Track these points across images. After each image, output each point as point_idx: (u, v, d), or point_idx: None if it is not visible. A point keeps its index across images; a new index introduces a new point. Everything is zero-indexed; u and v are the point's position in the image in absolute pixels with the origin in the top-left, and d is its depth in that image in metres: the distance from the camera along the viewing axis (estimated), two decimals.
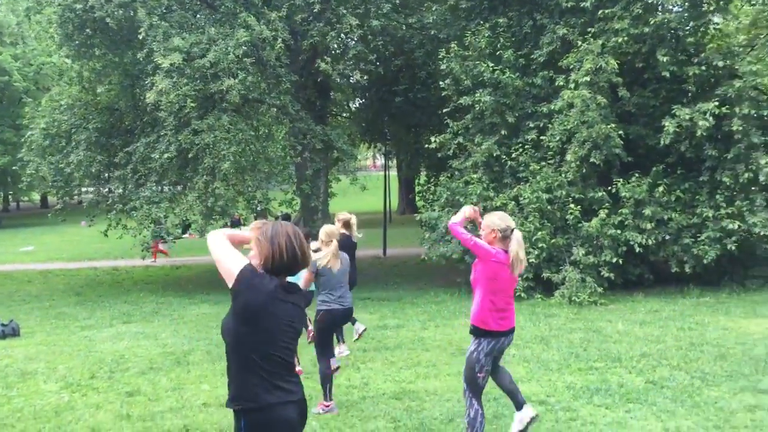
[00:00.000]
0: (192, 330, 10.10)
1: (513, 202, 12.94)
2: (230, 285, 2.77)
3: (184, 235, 30.07)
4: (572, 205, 12.45)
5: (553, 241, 12.44)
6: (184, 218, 13.77)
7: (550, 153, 13.06)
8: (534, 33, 14.18)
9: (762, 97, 12.57)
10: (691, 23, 12.93)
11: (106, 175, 15.52)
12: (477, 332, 4.63)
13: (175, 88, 12.44)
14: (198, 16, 14.72)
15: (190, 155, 13.09)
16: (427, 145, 14.23)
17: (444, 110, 14.32)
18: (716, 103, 11.75)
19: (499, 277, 4.57)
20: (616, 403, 5.75)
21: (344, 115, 21.05)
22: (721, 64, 12.01)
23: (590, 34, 12.66)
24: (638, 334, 8.74)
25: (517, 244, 4.59)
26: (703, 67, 12.13)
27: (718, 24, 13.15)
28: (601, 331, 8.94)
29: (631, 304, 11.38)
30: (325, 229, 6.16)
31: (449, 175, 14.22)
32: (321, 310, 6.03)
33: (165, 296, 14.05)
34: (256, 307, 2.76)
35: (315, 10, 13.48)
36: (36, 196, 47.79)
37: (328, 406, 5.90)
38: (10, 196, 50.52)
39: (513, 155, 13.30)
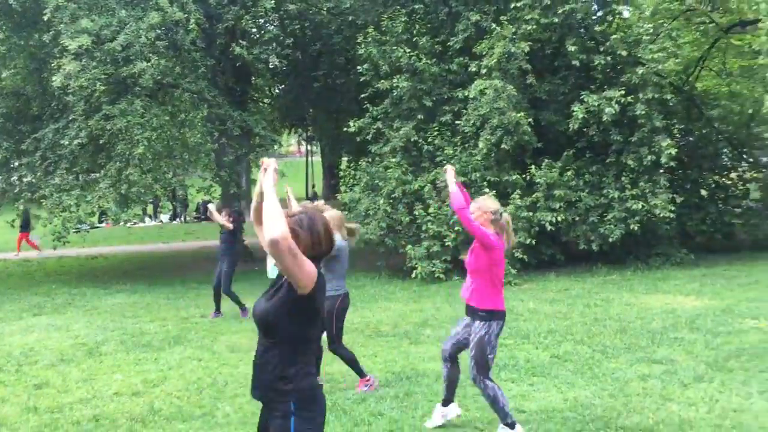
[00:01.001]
0: (106, 320, 9.89)
1: (430, 185, 13.18)
2: (305, 289, 2.68)
3: (99, 224, 29.28)
4: (487, 189, 12.77)
5: None
6: (99, 206, 13.37)
7: (464, 138, 13.36)
8: (450, 20, 14.42)
9: (664, 82, 13.22)
10: (599, 13, 13.42)
11: (15, 163, 14.89)
12: (489, 315, 4.70)
13: (84, 71, 12.06)
14: None
15: (101, 141, 12.73)
16: (346, 130, 14.30)
17: (363, 95, 14.41)
18: (622, 91, 12.29)
19: (499, 261, 4.74)
20: (522, 377, 6.01)
21: (266, 101, 20.87)
22: (625, 53, 12.54)
23: (502, 22, 12.98)
24: (547, 311, 9.11)
25: (508, 226, 4.78)
26: (609, 57, 12.62)
27: (622, 14, 13.67)
28: (512, 310, 9.24)
29: (543, 283, 11.81)
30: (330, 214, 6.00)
31: (369, 159, 14.35)
32: (341, 294, 5.89)
33: (79, 287, 13.65)
34: (322, 308, 2.89)
35: None
36: None
37: (369, 380, 5.94)
38: None
39: (429, 140, 13.53)
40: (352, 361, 5.96)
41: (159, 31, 12.71)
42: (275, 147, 18.41)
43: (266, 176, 2.79)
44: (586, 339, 7.34)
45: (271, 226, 2.55)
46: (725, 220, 14.33)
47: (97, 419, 5.31)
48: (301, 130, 21.46)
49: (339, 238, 5.74)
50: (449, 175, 4.97)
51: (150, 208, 31.39)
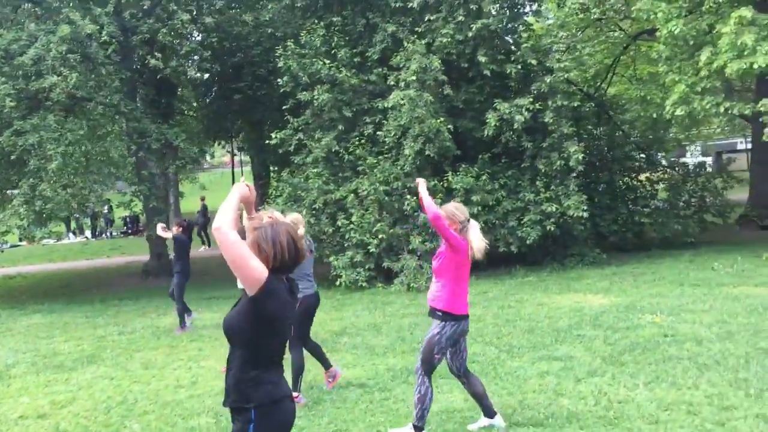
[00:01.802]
0: (19, 342, 9.67)
1: (352, 195, 13.35)
2: (251, 290, 2.77)
3: (20, 243, 28.32)
4: (408, 196, 13.03)
5: (391, 231, 12.96)
6: (12, 225, 13.00)
7: (386, 147, 13.59)
8: (368, 31, 14.66)
9: (573, 90, 13.78)
10: (510, 24, 13.87)
11: None
12: (444, 317, 4.79)
13: None
14: (18, 11, 13.95)
15: (12, 157, 12.41)
16: (267, 141, 14.34)
17: (284, 107, 14.48)
18: (530, 99, 12.76)
19: (464, 265, 4.85)
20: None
21: (191, 113, 20.65)
22: (534, 62, 13.03)
23: (417, 34, 13.29)
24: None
25: (475, 233, 4.86)
26: (519, 66, 13.07)
27: (532, 25, 14.18)
28: (423, 316, 9.48)
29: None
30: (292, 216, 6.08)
31: (291, 170, 14.42)
32: (308, 293, 5.94)
33: None
34: (277, 316, 2.86)
35: (144, 7, 13.15)
36: None
37: (297, 398, 5.84)
38: None
39: (351, 150, 13.70)
40: (300, 370, 5.94)
41: (71, 45, 12.46)
42: (207, 158, 18.25)
43: (241, 186, 3.01)
44: (495, 340, 7.61)
45: (218, 217, 2.78)
46: (635, 219, 15.00)
47: None
48: (225, 142, 21.26)
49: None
50: (421, 187, 5.03)
51: (74, 224, 30.56)
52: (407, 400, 5.68)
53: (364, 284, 12.77)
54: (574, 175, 13.39)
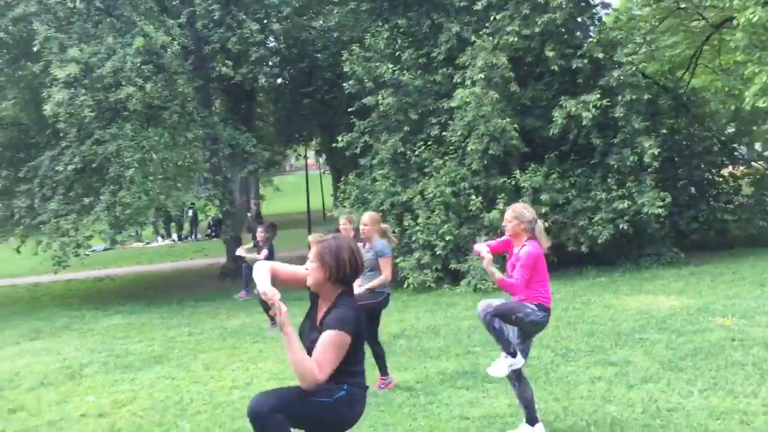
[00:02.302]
0: (97, 342, 10.14)
1: (419, 196, 13.33)
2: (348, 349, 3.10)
3: (113, 247, 29.73)
4: (474, 196, 12.89)
5: (458, 231, 12.86)
6: (94, 230, 13.67)
7: (451, 147, 13.51)
8: (433, 32, 14.60)
9: (643, 83, 13.27)
10: (579, 17, 13.49)
11: (14, 190, 15.27)
12: (540, 306, 4.75)
13: (73, 99, 12.40)
14: (100, 26, 14.63)
15: (94, 165, 13.05)
16: (334, 144, 14.52)
17: (350, 110, 14.62)
18: (598, 95, 12.38)
19: (544, 268, 4.82)
20: (477, 385, 6.11)
21: (271, 119, 21.18)
22: (601, 55, 12.63)
23: (483, 32, 13.14)
24: None
25: (541, 233, 4.82)
26: (586, 60, 12.70)
27: (601, 17, 13.77)
28: None
29: None
30: (367, 216, 6.57)
31: (358, 173, 14.55)
32: (386, 291, 6.43)
33: (80, 310, 13.93)
34: (361, 333, 3.21)
35: (214, 17, 13.56)
36: None
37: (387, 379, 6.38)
38: None
39: (417, 151, 13.68)
40: (378, 357, 6.33)
41: (145, 56, 13.00)
42: (293, 160, 18.57)
43: (284, 323, 3.03)
44: (552, 343, 7.43)
45: (302, 377, 2.97)
46: (717, 216, 14.30)
47: None
48: (298, 146, 21.66)
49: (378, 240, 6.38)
50: (486, 263, 4.67)
51: (161, 228, 31.87)
52: (451, 404, 5.62)
53: (432, 285, 12.73)
54: (650, 171, 12.94)
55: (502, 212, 12.61)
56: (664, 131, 15.31)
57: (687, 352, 6.49)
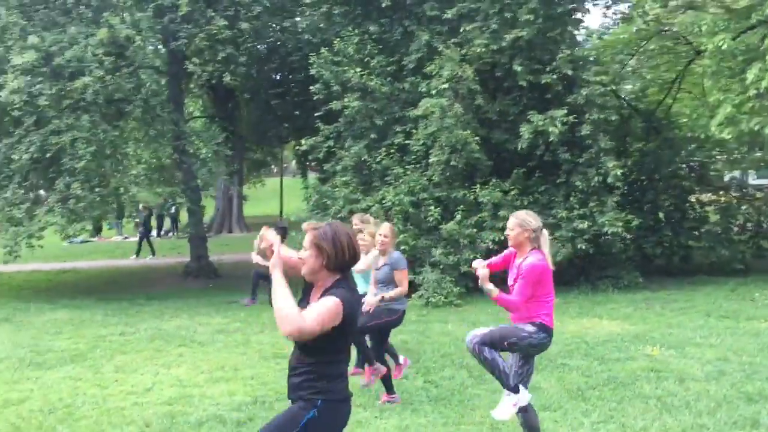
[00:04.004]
0: (27, 337, 9.88)
1: (378, 205, 13.11)
2: (336, 322, 2.88)
3: (92, 239, 29.50)
4: (432, 208, 12.69)
5: (414, 243, 12.64)
6: (47, 222, 13.43)
7: (414, 157, 13.31)
8: (405, 40, 14.42)
9: (611, 103, 13.10)
10: (548, 34, 13.31)
11: None
12: (540, 327, 4.48)
13: (29, 86, 12.20)
14: (69, 15, 14.43)
15: (49, 155, 12.83)
16: (298, 148, 14.33)
17: (317, 114, 14.43)
18: (565, 111, 12.19)
19: (549, 280, 4.54)
20: (372, 404, 5.89)
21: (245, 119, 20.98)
22: (570, 72, 12.45)
23: (451, 42, 12.96)
24: (460, 335, 8.93)
25: (545, 242, 4.56)
26: (554, 76, 12.51)
27: (573, 34, 13.56)
28: (426, 333, 9.16)
29: (482, 305, 11.65)
30: (387, 227, 6.33)
31: (321, 178, 14.35)
32: (402, 308, 6.24)
33: (29, 302, 13.69)
34: (350, 320, 2.96)
35: (181, 13, 13.37)
36: None
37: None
38: None
39: (379, 159, 13.48)
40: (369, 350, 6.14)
41: (109, 48, 12.80)
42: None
43: (275, 268, 2.91)
44: (473, 364, 7.15)
45: (282, 325, 2.74)
46: (682, 242, 14.09)
47: None
48: (272, 148, 21.49)
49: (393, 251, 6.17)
50: (482, 280, 4.44)
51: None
52: None
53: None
54: (616, 192, 12.75)
55: (459, 224, 12.50)
56: (636, 153, 15.13)
57: (599, 381, 6.27)
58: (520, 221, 4.52)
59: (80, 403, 6.20)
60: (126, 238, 30.67)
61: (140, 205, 15.60)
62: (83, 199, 12.87)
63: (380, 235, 6.21)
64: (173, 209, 29.35)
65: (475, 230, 12.46)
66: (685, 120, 16.56)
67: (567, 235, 12.29)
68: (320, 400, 2.91)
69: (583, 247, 12.18)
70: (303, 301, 3.09)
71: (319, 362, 2.95)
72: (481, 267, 4.47)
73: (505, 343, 4.40)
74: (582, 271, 13.28)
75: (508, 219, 11.33)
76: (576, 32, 13.44)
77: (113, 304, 13.14)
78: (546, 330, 4.49)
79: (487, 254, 12.54)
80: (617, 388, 6.04)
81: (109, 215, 14.38)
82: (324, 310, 2.84)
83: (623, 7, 17.69)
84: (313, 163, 18.63)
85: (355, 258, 3.04)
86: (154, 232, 32.34)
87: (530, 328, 4.43)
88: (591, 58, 12.87)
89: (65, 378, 7.21)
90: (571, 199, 12.67)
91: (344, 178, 13.72)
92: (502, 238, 12.36)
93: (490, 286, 4.38)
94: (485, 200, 12.58)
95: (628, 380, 6.26)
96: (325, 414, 2.91)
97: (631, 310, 10.50)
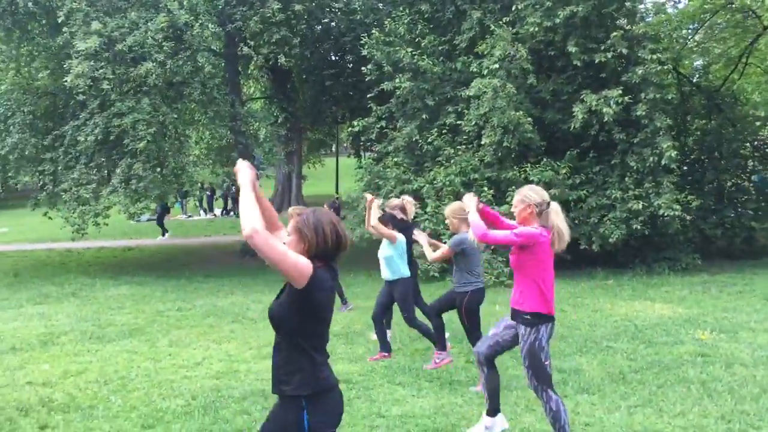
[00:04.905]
0: (90, 311, 10.35)
1: (429, 185, 13.15)
2: (299, 283, 2.76)
3: (153, 218, 30.43)
4: (485, 188, 12.64)
5: None
6: (110, 201, 13.95)
7: (465, 137, 13.26)
8: (457, 19, 14.31)
9: (669, 81, 12.71)
10: (603, 10, 12.97)
11: (41, 158, 15.70)
12: (536, 320, 4.28)
13: (92, 70, 12.64)
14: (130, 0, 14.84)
15: (111, 138, 13.30)
16: (350, 129, 14.43)
17: (369, 95, 14.50)
18: (620, 91, 11.91)
19: (544, 260, 4.29)
20: (415, 382, 5.98)
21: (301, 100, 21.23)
22: (625, 51, 12.13)
23: (505, 22, 12.80)
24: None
25: (558, 217, 4.27)
26: (610, 54, 12.22)
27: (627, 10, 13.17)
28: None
29: None
30: (453, 207, 6.04)
31: (374, 158, 14.44)
32: (471, 289, 5.98)
33: (95, 278, 14.30)
34: (324, 304, 2.88)
35: None
36: None
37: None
38: None
39: (430, 140, 13.48)
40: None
41: (167, 33, 13.13)
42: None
43: (241, 172, 2.90)
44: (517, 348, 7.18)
45: (244, 222, 2.64)
46: (744, 223, 13.64)
47: None
48: (324, 128, 21.60)
49: (464, 232, 5.79)
50: (470, 203, 4.51)
51: (205, 203, 32.49)
52: (378, 401, 5.50)
53: (435, 275, 12.56)
54: (673, 173, 12.44)
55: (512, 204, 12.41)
56: (698, 132, 14.68)
57: (643, 365, 6.20)
58: (523, 196, 4.33)
59: (134, 376, 6.50)
60: (190, 216, 31.48)
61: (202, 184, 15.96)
62: (144, 179, 13.31)
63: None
64: (233, 188, 29.91)
65: None
66: (750, 96, 15.95)
67: (621, 216, 12.09)
68: (304, 399, 2.83)
69: (639, 228, 11.95)
70: (282, 291, 2.97)
71: (294, 351, 2.86)
72: (470, 197, 4.55)
73: (545, 364, 4.30)
74: (638, 253, 13.03)
75: (558, 198, 11.22)
76: (633, 6, 13.01)
77: (173, 281, 13.60)
78: (542, 319, 4.29)
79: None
80: (660, 372, 5.96)
81: (170, 195, 14.70)
82: (292, 252, 2.74)
83: None
84: (366, 144, 18.74)
85: (339, 247, 2.91)
86: (217, 211, 33.25)
87: (530, 335, 4.29)
88: (649, 35, 12.46)
89: (122, 351, 7.55)
90: (626, 179, 12.42)
91: (396, 159, 13.79)
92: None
93: (471, 207, 4.43)
94: (536, 180, 12.44)
95: (673, 364, 6.17)
96: (314, 409, 2.84)
97: (686, 293, 10.27)
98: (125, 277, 14.21)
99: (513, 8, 12.95)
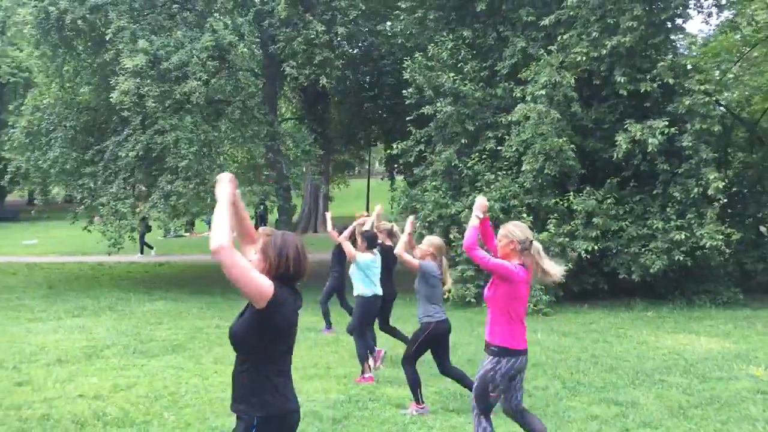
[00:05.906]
0: (129, 325, 10.38)
1: (467, 210, 13.09)
2: (258, 304, 2.81)
3: (185, 234, 30.66)
4: (525, 215, 12.56)
5: None
6: (149, 216, 14.08)
7: (506, 163, 13.22)
8: (498, 45, 14.35)
9: (715, 112, 12.60)
10: (649, 41, 12.93)
11: (81, 172, 15.91)
12: (500, 352, 4.38)
13: (137, 87, 12.82)
14: (175, 19, 15.08)
15: (153, 155, 13.45)
16: (389, 152, 14.46)
17: (408, 118, 14.54)
18: (666, 122, 11.83)
19: (519, 295, 4.40)
20: (468, 409, 5.88)
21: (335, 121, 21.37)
22: (671, 81, 12.07)
23: (550, 50, 12.81)
24: (550, 344, 8.85)
25: (540, 257, 4.40)
26: (656, 84, 12.16)
27: (674, 41, 13.14)
28: None
29: (573, 315, 11.48)
30: (432, 241, 6.13)
31: (410, 182, 14.44)
32: (434, 321, 5.94)
33: (129, 292, 14.36)
34: (287, 326, 2.93)
35: (281, 17, 13.75)
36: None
37: (422, 407, 5.94)
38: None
39: (470, 164, 13.45)
40: (416, 384, 5.93)
41: (212, 52, 13.31)
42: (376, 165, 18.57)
43: (221, 185, 2.97)
44: (566, 375, 7.09)
45: (212, 236, 2.71)
46: None
47: (46, 418, 5.63)
48: (360, 151, 21.73)
49: (430, 262, 5.91)
50: (477, 207, 4.60)
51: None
52: (434, 428, 5.42)
53: (472, 300, 12.47)
54: (716, 204, 12.29)
55: (552, 233, 12.31)
56: (739, 165, 14.50)
57: (702, 400, 6.06)
58: (507, 232, 4.45)
59: (183, 392, 6.48)
60: None
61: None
62: (184, 196, 13.42)
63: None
64: (261, 207, 30.07)
65: (567, 239, 12.27)
66: None
67: (663, 247, 11.92)
68: (257, 417, 2.83)
69: (680, 259, 11.78)
70: (244, 310, 3.00)
71: (253, 372, 2.88)
72: (480, 201, 4.62)
73: (490, 395, 4.42)
74: (677, 285, 12.85)
75: (600, 228, 11.09)
76: (676, 38, 12.97)
77: (206, 298, 13.63)
78: (508, 354, 4.37)
79: (578, 262, 12.34)
80: (721, 408, 5.83)
81: (207, 211, 14.80)
82: (256, 272, 2.78)
83: (727, 14, 17.04)
84: (402, 166, 18.75)
85: (299, 273, 2.95)
86: None
87: (489, 363, 4.41)
88: (691, 66, 12.40)
89: (168, 367, 7.54)
90: (668, 209, 12.28)
91: (434, 183, 13.76)
92: (595, 247, 12.20)
93: (478, 214, 4.51)
94: (579, 209, 12.36)
95: (732, 400, 6.03)
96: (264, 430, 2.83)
97: (730, 327, 10.08)
98: (159, 292, 14.26)
99: (557, 37, 12.95)
